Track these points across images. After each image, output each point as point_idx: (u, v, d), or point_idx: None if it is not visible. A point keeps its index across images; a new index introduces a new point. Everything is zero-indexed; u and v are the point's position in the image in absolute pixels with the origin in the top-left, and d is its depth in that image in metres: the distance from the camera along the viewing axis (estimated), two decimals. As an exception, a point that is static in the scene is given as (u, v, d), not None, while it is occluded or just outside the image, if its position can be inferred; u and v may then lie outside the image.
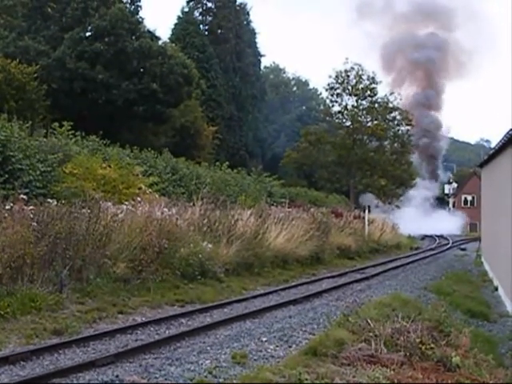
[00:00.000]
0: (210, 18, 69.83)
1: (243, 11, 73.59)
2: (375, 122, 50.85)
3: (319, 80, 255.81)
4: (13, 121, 22.95)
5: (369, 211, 38.10)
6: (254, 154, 70.91)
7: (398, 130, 51.30)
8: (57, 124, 26.79)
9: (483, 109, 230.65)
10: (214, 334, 11.47)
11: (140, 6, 48.12)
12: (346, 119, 51.83)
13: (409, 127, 51.97)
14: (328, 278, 21.94)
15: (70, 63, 40.47)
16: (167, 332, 11.68)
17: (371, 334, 9.66)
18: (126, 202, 18.63)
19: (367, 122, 51.60)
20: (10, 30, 41.54)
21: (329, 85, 51.56)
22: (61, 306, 12.36)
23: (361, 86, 50.57)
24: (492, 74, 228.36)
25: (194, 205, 21.15)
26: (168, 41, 55.75)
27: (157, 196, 22.93)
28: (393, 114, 50.94)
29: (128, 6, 46.85)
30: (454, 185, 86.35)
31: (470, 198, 78.16)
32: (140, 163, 28.06)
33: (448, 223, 67.63)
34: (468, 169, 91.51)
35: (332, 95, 51.92)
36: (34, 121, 29.65)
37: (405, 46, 79.65)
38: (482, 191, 32.84)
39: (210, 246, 18.32)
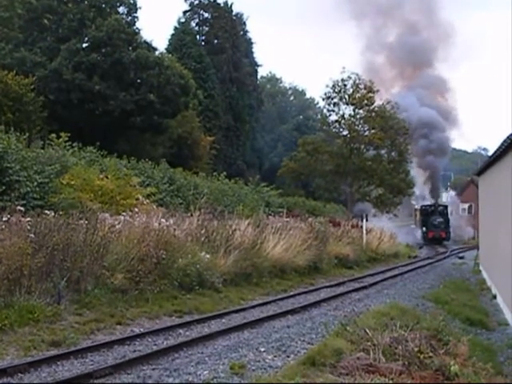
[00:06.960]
0: (206, 29, 69.99)
1: (240, 21, 73.84)
2: (372, 131, 50.79)
3: (316, 89, 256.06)
4: (10, 132, 22.97)
5: (366, 220, 38.03)
6: (252, 164, 70.95)
7: (395, 139, 51.20)
8: (54, 135, 26.81)
9: (480, 117, 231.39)
10: (212, 345, 11.46)
11: (137, 17, 48.30)
12: (343, 128, 51.66)
13: (406, 136, 51.88)
14: (326, 287, 21.92)
15: (66, 74, 40.56)
16: (165, 343, 11.66)
17: (369, 343, 9.64)
18: (124, 213, 18.63)
19: (364, 131, 51.52)
20: (6, 41, 41.55)
21: (326, 94, 51.38)
22: (59, 318, 12.33)
23: (358, 95, 50.44)
24: (488, 81, 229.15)
25: (191, 215, 21.14)
26: (165, 51, 55.76)
27: (154, 207, 22.91)
28: (390, 123, 50.86)
29: (124, 16, 46.90)
30: (452, 193, 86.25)
31: (467, 206, 77.98)
32: (137, 174, 28.05)
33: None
34: (465, 177, 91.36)
35: (329, 104, 51.75)
36: (31, 132, 29.67)
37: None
38: (480, 199, 32.81)
39: (207, 256, 18.28)
